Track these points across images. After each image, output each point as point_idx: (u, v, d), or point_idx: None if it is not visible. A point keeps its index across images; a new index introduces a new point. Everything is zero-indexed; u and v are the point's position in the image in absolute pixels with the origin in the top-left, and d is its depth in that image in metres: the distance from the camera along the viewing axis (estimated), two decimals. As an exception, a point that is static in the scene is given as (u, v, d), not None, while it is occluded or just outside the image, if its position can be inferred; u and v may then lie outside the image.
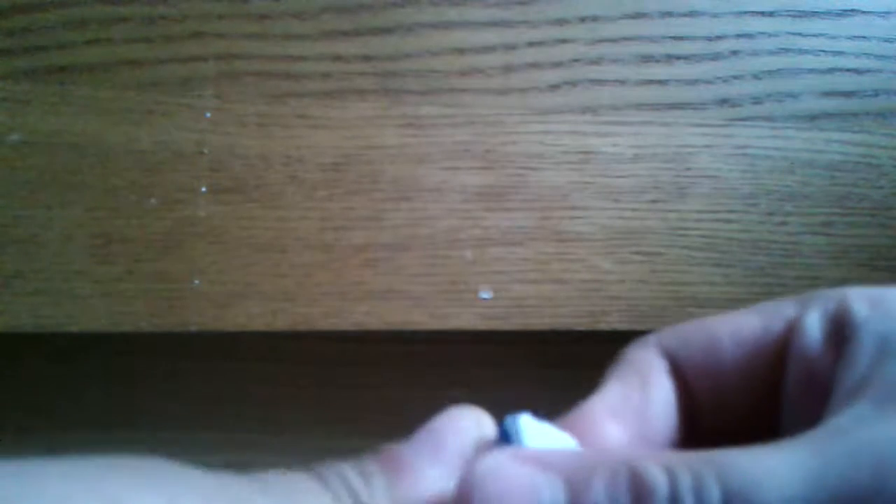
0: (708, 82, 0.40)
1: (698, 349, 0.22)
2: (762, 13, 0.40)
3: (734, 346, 0.21)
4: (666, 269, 0.40)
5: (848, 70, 0.41)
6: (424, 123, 0.39)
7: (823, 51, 0.41)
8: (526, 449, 0.19)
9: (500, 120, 0.39)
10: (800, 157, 0.41)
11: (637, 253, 0.40)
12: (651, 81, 0.40)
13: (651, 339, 0.23)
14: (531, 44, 0.39)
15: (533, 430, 0.19)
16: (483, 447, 0.19)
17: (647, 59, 0.40)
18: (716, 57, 0.40)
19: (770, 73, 0.41)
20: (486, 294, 0.38)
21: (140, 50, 0.37)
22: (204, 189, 0.37)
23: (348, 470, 0.18)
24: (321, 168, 0.38)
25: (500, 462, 0.18)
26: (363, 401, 0.45)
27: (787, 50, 0.41)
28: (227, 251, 0.37)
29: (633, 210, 0.40)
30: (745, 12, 0.40)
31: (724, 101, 0.40)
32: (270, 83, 0.38)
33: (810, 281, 0.40)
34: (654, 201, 0.40)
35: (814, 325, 0.20)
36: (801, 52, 0.41)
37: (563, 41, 0.39)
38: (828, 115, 0.41)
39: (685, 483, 0.16)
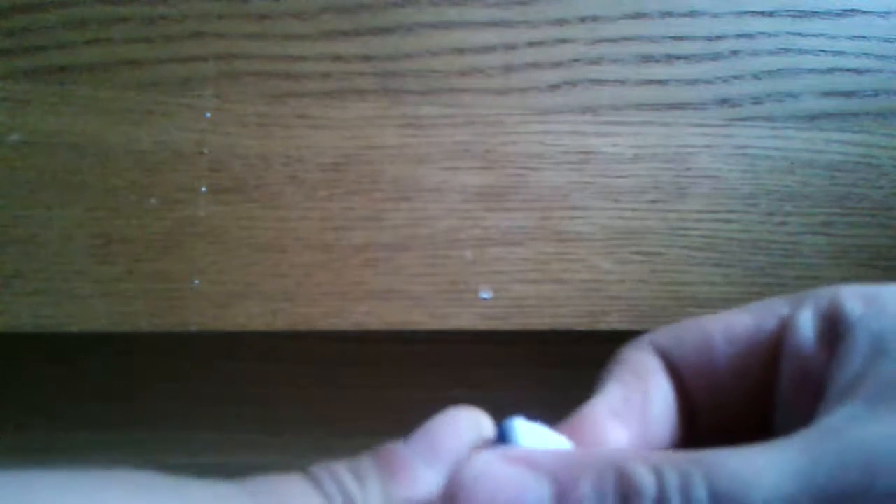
0: (708, 82, 0.40)
1: (692, 348, 0.22)
2: (762, 13, 0.40)
3: (727, 344, 0.21)
4: (666, 269, 0.40)
5: (848, 70, 0.41)
6: (424, 123, 0.39)
7: (823, 51, 0.41)
8: (515, 448, 0.18)
9: (500, 120, 0.39)
10: (800, 157, 0.41)
11: (637, 253, 0.40)
12: (651, 81, 0.40)
13: (645, 339, 0.23)
14: (531, 44, 0.39)
15: (528, 432, 0.19)
16: (478, 448, 0.19)
17: (647, 59, 0.40)
18: (716, 57, 0.40)
19: (770, 73, 0.41)
20: (486, 294, 0.38)
21: (140, 50, 0.37)
22: (204, 189, 0.37)
23: (343, 470, 0.18)
24: (321, 168, 0.38)
25: (487, 461, 0.18)
26: (363, 401, 0.45)
27: (787, 50, 0.41)
28: (227, 251, 0.37)
29: (633, 210, 0.40)
30: (745, 12, 0.40)
31: (724, 101, 0.40)
32: (270, 83, 0.38)
33: (810, 281, 0.40)
34: (654, 201, 0.40)
35: (807, 324, 0.20)
36: (801, 52, 0.41)
37: (563, 41, 0.39)
38: (828, 115, 0.41)
39: (672, 483, 0.16)
